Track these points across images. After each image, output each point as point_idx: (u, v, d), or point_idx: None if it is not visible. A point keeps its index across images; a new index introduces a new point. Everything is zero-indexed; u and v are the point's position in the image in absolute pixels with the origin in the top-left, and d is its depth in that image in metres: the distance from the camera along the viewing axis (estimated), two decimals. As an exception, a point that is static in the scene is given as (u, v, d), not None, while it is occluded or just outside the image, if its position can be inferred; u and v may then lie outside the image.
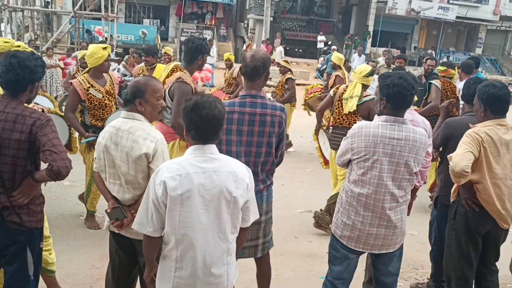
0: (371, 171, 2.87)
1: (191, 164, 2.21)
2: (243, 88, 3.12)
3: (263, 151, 3.05)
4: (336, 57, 8.51)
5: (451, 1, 29.03)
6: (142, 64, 7.21)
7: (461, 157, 2.99)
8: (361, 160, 2.89)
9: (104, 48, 4.72)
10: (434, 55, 26.50)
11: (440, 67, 6.87)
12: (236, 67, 8.40)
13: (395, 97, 2.81)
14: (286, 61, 9.05)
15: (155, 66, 6.42)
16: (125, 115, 2.78)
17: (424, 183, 3.60)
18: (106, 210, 2.86)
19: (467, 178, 3.06)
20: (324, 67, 19.72)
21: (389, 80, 2.84)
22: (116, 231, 2.88)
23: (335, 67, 8.35)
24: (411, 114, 3.53)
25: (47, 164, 2.53)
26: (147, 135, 2.69)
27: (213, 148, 2.27)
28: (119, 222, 2.80)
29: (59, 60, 13.48)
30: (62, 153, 2.53)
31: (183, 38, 24.98)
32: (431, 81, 6.50)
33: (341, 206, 3.07)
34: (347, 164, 3.05)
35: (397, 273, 3.19)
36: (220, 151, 2.42)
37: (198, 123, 2.21)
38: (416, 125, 3.22)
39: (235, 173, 2.27)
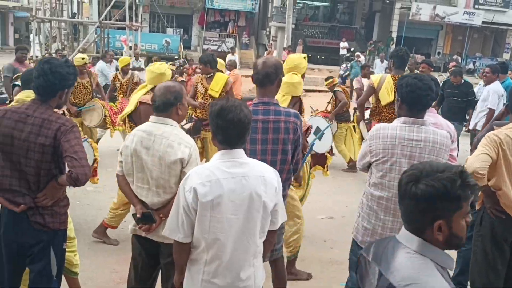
0: (390, 173, 2.82)
1: (220, 170, 2.21)
2: (256, 96, 3.07)
3: (278, 159, 3.00)
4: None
5: (476, 6, 28.57)
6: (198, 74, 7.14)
7: (475, 159, 2.94)
8: (379, 162, 2.85)
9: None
10: (459, 61, 26.10)
11: None
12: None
13: (409, 97, 2.76)
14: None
15: (212, 75, 6.22)
16: (155, 120, 2.81)
17: None
18: (133, 214, 2.88)
19: (482, 182, 2.98)
20: (346, 73, 19.61)
21: (404, 81, 2.80)
22: (143, 235, 2.90)
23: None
24: (434, 117, 3.49)
25: (68, 170, 2.58)
26: (181, 140, 2.74)
27: (241, 152, 2.27)
28: (147, 226, 2.81)
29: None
30: (82, 160, 2.56)
31: (205, 47, 25.29)
32: None
33: (361, 211, 3.02)
34: (368, 168, 3.00)
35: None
36: None
37: (224, 128, 2.21)
38: (438, 128, 3.17)
39: (264, 177, 2.26)
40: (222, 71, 8.23)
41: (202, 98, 6.20)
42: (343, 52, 25.44)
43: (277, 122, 2.94)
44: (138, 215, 2.81)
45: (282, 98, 4.01)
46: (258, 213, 2.24)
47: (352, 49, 25.24)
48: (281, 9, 25.63)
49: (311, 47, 28.25)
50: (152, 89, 4.45)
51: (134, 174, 2.84)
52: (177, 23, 30.08)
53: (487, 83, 7.63)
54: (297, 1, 28.20)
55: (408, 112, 2.80)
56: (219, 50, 25.76)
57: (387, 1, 28.20)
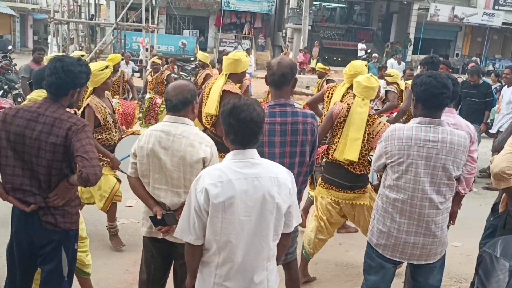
0: (405, 175, 2.74)
1: (233, 170, 2.14)
2: (271, 97, 3.00)
3: (297, 161, 2.95)
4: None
5: (496, 7, 28.10)
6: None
7: (502, 159, 2.85)
8: (395, 164, 2.77)
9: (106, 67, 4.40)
10: (478, 62, 25.69)
11: None
12: None
13: (423, 96, 2.68)
14: (324, 68, 8.42)
15: None
16: (172, 119, 2.76)
17: (470, 190, 3.39)
18: (151, 217, 2.79)
19: (508, 183, 2.88)
20: (363, 75, 19.36)
21: (418, 79, 2.72)
22: (160, 237, 2.84)
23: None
24: (454, 117, 3.39)
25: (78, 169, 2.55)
26: (202, 140, 2.71)
27: (253, 152, 2.19)
28: (167, 228, 2.74)
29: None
30: (93, 160, 2.53)
31: (221, 48, 25.33)
32: None
33: (376, 213, 2.95)
34: (383, 169, 2.92)
35: (438, 286, 3.03)
36: None
37: (236, 127, 2.14)
38: (458, 129, 3.08)
39: (278, 178, 2.18)
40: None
41: None
42: (360, 53, 25.22)
43: (295, 123, 2.90)
44: (158, 217, 2.74)
45: (362, 102, 3.68)
46: (271, 214, 2.17)
47: (369, 50, 25.03)
48: (297, 10, 25.54)
49: (327, 49, 28.11)
50: (229, 77, 4.45)
51: (151, 176, 2.78)
52: (193, 25, 30.20)
53: (508, 84, 7.56)
54: (314, 3, 28.11)
55: (424, 111, 2.72)
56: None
57: (405, 2, 27.92)
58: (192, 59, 22.95)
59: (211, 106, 4.42)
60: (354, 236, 5.18)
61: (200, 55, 8.56)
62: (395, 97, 6.92)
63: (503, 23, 27.84)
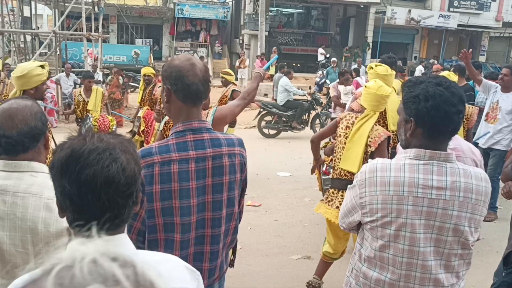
0: (395, 243, 1.75)
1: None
2: (177, 120, 1.91)
3: (224, 214, 1.94)
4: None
5: (451, 9, 28.25)
6: None
7: None
8: (377, 225, 1.77)
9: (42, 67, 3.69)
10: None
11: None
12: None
13: (431, 117, 1.70)
14: (228, 72, 7.61)
15: None
16: (10, 167, 1.70)
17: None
18: None
19: None
20: (323, 80, 18.81)
21: (420, 89, 1.73)
22: None
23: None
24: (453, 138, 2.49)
25: None
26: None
27: (122, 242, 1.12)
28: None
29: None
30: None
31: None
32: None
33: None
34: (357, 227, 1.94)
35: None
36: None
37: (76, 196, 1.06)
38: (460, 156, 2.21)
39: None
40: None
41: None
42: (321, 58, 24.69)
43: (218, 157, 1.88)
44: None
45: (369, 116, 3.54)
46: None
47: (328, 55, 24.55)
48: (254, 16, 24.79)
49: (286, 55, 27.43)
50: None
51: None
52: (146, 34, 28.99)
53: (506, 89, 5.81)
54: (270, 8, 27.45)
55: (427, 140, 1.75)
56: (191, 60, 24.70)
57: (362, 6, 27.65)
58: (144, 69, 21.79)
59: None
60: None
61: (145, 69, 7.94)
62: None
63: (459, 25, 28.01)
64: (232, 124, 7.05)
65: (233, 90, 7.18)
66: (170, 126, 3.47)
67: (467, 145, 2.53)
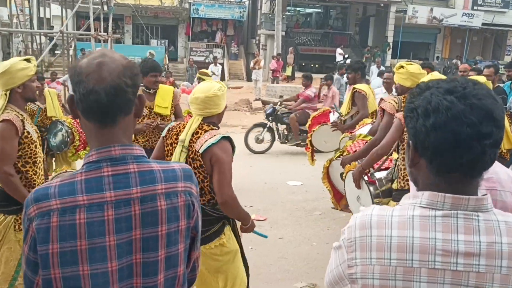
0: None
1: None
2: (91, 145, 1.33)
3: (160, 280, 1.33)
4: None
5: (475, 8, 27.21)
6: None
7: None
8: None
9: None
10: (459, 65, 24.70)
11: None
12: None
13: (432, 142, 1.12)
14: (206, 72, 6.90)
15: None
16: None
17: None
18: None
19: None
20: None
21: (421, 99, 1.15)
22: None
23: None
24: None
25: None
26: None
27: None
28: None
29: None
30: None
31: (192, 58, 23.87)
32: None
33: None
34: None
35: None
36: None
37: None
38: (496, 189, 1.64)
39: None
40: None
41: (147, 119, 4.69)
42: (339, 58, 23.99)
43: (150, 198, 1.30)
44: None
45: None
46: None
47: (346, 55, 23.84)
48: (270, 16, 24.21)
49: (303, 55, 26.88)
50: None
51: None
52: (161, 34, 28.68)
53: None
54: (288, 8, 26.88)
55: (435, 178, 1.16)
56: (207, 61, 24.29)
57: (382, 5, 26.85)
58: (158, 70, 21.43)
59: None
60: None
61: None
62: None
63: (483, 24, 26.95)
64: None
65: None
66: (175, 132, 2.96)
67: (507, 173, 1.78)
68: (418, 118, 1.13)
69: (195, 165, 2.77)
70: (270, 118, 9.30)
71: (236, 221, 2.97)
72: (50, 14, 17.81)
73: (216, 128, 2.85)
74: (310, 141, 6.24)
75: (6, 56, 31.63)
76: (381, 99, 4.90)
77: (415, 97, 1.16)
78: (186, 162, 2.80)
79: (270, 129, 9.41)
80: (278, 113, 9.28)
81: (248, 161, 8.57)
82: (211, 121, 2.87)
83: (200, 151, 2.71)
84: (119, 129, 1.30)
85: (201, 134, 2.78)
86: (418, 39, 28.86)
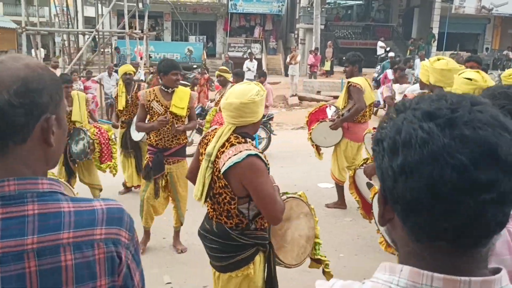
0: None
1: None
2: None
3: None
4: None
5: (529, -5, 25.65)
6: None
7: None
8: None
9: None
10: (510, 57, 23.33)
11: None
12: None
13: (413, 198, 0.72)
14: (226, 70, 6.91)
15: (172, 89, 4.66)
16: None
17: None
18: None
19: None
20: (380, 76, 17.47)
21: (392, 129, 0.76)
22: None
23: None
24: None
25: None
26: None
27: None
28: None
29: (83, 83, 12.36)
30: None
31: (230, 53, 23.71)
32: None
33: None
34: None
35: None
36: None
37: None
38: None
39: None
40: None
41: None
42: (380, 51, 23.16)
43: (50, 251, 0.97)
44: None
45: None
46: None
47: (388, 48, 22.97)
48: (309, 9, 23.67)
49: (343, 49, 26.14)
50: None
51: None
52: (200, 30, 28.70)
53: None
54: (327, 1, 26.23)
55: (424, 248, 0.76)
56: (244, 56, 24.07)
57: (426, -5, 25.77)
58: (195, 66, 21.37)
59: None
60: None
61: (124, 67, 6.71)
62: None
63: (537, 12, 25.39)
64: None
65: None
66: (206, 141, 2.62)
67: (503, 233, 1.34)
68: (384, 156, 0.76)
69: (220, 184, 2.42)
70: None
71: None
72: (96, 13, 17.98)
73: (247, 142, 2.42)
74: (310, 138, 5.95)
75: (53, 55, 32.64)
76: (404, 96, 4.52)
77: (386, 123, 0.78)
78: (212, 180, 2.46)
79: None
80: None
81: (279, 162, 8.23)
82: (244, 131, 2.45)
83: (222, 170, 2.35)
84: (15, 158, 0.99)
85: (226, 147, 2.39)
86: (466, 30, 27.52)
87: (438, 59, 3.70)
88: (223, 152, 2.38)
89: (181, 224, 4.75)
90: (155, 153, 4.52)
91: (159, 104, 4.46)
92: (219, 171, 2.37)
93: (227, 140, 2.40)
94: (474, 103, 0.74)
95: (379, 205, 0.81)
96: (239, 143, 2.37)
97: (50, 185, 1.02)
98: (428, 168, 0.70)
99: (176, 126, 4.42)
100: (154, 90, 4.57)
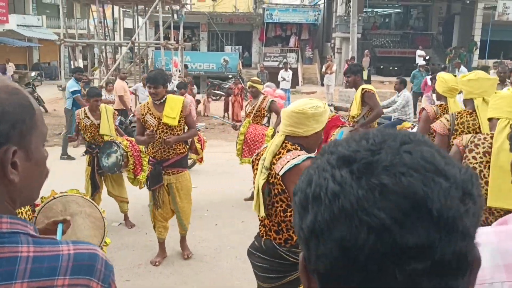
0: None
1: None
2: None
3: None
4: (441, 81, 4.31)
5: None
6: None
7: None
8: None
9: None
10: (559, 65, 22.32)
11: None
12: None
13: (325, 266, 0.55)
14: (258, 81, 6.65)
15: (163, 99, 4.55)
16: None
17: None
18: None
19: None
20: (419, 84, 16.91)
21: (304, 179, 0.59)
22: None
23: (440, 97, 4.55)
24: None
25: None
26: None
27: None
28: None
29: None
30: None
31: (265, 63, 23.70)
32: None
33: None
34: None
35: None
36: None
37: None
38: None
39: None
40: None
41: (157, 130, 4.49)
42: (419, 60, 22.57)
43: None
44: None
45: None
46: None
47: (428, 57, 22.36)
48: (345, 18, 23.39)
49: (381, 58, 25.72)
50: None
51: None
52: (236, 40, 28.85)
53: None
54: (365, 9, 25.86)
55: None
56: (280, 66, 24.01)
57: (468, 2, 24.98)
58: (230, 76, 21.43)
59: None
60: None
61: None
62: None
63: None
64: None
65: (271, 101, 6.48)
66: (259, 157, 2.68)
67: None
68: (296, 213, 0.60)
69: (276, 191, 2.39)
70: None
71: None
72: (136, 25, 18.36)
73: (302, 150, 2.41)
74: None
75: (86, 66, 33.58)
76: (422, 109, 4.30)
77: (306, 171, 0.61)
78: (265, 188, 2.43)
79: None
80: None
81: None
82: (298, 142, 2.44)
83: (280, 174, 2.31)
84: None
85: (283, 154, 2.38)
86: (510, 38, 26.51)
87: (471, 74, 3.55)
88: (279, 158, 2.39)
89: (186, 231, 4.77)
90: (154, 164, 4.54)
91: (152, 117, 4.45)
92: (275, 176, 2.37)
93: (283, 147, 2.43)
94: (405, 141, 0.56)
95: (300, 274, 0.62)
96: (295, 149, 2.39)
97: (11, 225, 0.85)
98: (339, 229, 0.53)
99: (165, 137, 4.35)
100: (148, 103, 4.54)
